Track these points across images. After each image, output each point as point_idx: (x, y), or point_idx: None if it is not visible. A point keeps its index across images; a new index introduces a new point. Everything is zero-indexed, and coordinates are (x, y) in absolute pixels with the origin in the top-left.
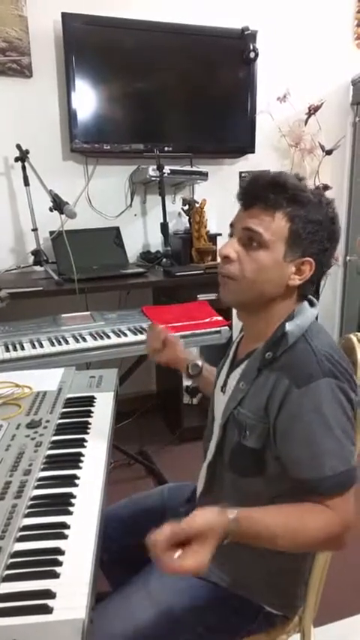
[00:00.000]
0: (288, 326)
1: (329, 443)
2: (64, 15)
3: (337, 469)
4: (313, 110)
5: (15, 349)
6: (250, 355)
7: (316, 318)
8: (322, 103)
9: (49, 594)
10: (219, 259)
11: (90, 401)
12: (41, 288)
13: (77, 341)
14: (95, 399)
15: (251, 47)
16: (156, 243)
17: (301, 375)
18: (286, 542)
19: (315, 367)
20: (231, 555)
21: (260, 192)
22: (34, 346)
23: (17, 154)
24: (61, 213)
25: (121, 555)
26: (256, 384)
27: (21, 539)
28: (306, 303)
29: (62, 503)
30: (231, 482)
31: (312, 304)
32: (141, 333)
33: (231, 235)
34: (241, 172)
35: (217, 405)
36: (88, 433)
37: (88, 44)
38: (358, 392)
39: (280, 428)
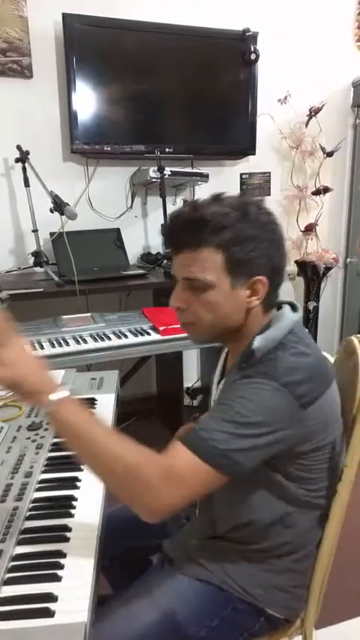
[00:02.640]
0: (255, 342)
1: (224, 417)
2: (64, 16)
3: (209, 437)
4: (313, 112)
5: None
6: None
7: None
8: (323, 105)
9: (50, 597)
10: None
11: (91, 403)
12: (41, 290)
13: (78, 342)
14: (96, 400)
15: (252, 49)
16: (156, 244)
17: (252, 373)
18: (98, 453)
19: (267, 370)
20: (233, 559)
21: (181, 237)
22: (34, 348)
23: (17, 154)
24: (62, 214)
25: (122, 558)
26: None
27: (22, 542)
28: (286, 309)
29: (64, 506)
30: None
31: (294, 309)
32: (142, 334)
33: (176, 281)
34: (241, 174)
35: None
36: None
37: (88, 45)
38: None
39: None
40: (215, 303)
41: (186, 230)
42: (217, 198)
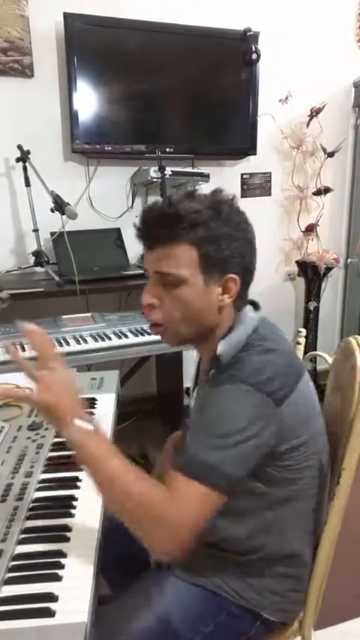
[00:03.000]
0: (219, 347)
1: (204, 431)
2: (65, 15)
3: (193, 454)
4: (315, 112)
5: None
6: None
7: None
8: (324, 105)
9: (51, 597)
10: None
11: (91, 403)
12: (42, 289)
13: (78, 342)
14: (96, 400)
15: (253, 49)
16: None
17: (221, 380)
18: (112, 485)
19: (235, 374)
20: (227, 565)
21: (155, 231)
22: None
23: (18, 154)
24: (62, 214)
25: (121, 559)
26: None
27: (23, 541)
28: (246, 310)
29: (64, 506)
30: None
31: (255, 307)
32: (142, 334)
33: (148, 277)
34: (242, 174)
35: None
36: None
37: (89, 44)
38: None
39: None
40: (188, 299)
41: (161, 225)
42: (190, 195)
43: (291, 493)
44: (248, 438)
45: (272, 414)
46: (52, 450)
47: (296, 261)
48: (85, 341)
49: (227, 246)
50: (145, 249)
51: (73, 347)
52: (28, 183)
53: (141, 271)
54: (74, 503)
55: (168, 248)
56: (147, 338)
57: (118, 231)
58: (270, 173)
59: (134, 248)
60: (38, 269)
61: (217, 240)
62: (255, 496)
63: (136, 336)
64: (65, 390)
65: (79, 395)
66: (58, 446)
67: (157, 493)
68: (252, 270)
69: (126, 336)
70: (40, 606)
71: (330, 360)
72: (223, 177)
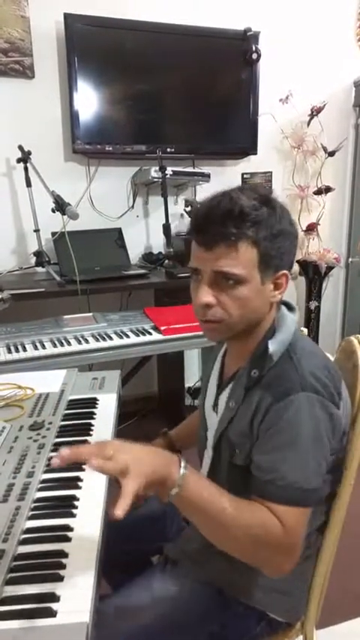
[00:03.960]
0: (271, 346)
1: (293, 455)
2: (66, 16)
3: (292, 481)
4: (315, 112)
5: (17, 350)
6: (237, 373)
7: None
8: (325, 105)
9: (53, 597)
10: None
11: (93, 403)
12: (43, 290)
13: (79, 342)
14: (98, 400)
15: (254, 48)
16: (158, 244)
17: (282, 389)
18: (224, 525)
19: (296, 382)
20: (234, 563)
21: (220, 229)
22: (36, 347)
23: (19, 154)
24: (63, 214)
25: (122, 559)
26: (245, 403)
27: (24, 541)
28: (284, 310)
29: (65, 506)
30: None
31: (290, 308)
32: (143, 334)
33: (196, 276)
34: (243, 174)
35: (209, 424)
36: (91, 435)
37: (90, 45)
38: (342, 406)
39: (259, 437)
40: (246, 298)
41: (226, 224)
42: (242, 189)
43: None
44: (327, 445)
45: (337, 416)
46: (53, 450)
47: (297, 261)
48: (87, 341)
49: (282, 243)
50: (200, 247)
51: (75, 347)
52: (29, 184)
53: (142, 271)
54: (76, 503)
55: (229, 247)
56: (148, 338)
57: (119, 231)
58: (271, 172)
59: (135, 248)
60: (39, 269)
61: (275, 239)
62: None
63: (138, 335)
64: (144, 455)
65: (157, 453)
66: (59, 446)
67: (271, 527)
68: (293, 262)
69: (127, 336)
70: (42, 606)
71: (332, 359)
72: (223, 177)
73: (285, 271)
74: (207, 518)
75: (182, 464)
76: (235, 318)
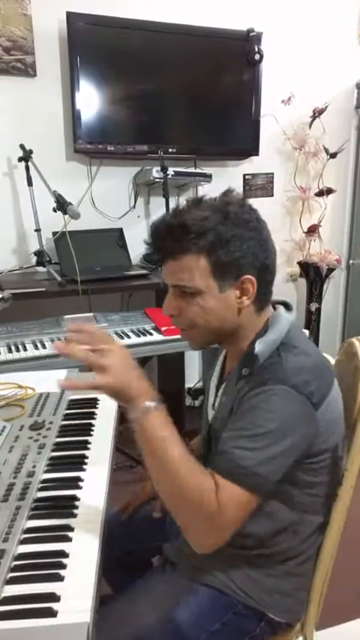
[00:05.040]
0: (257, 346)
1: (248, 435)
2: (68, 14)
3: (238, 457)
4: (317, 113)
5: (18, 350)
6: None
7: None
8: (327, 106)
9: (53, 597)
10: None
11: (93, 403)
12: (44, 289)
13: None
14: (99, 400)
15: (256, 49)
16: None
17: (260, 379)
18: (166, 470)
19: (276, 375)
20: (236, 563)
21: (164, 245)
22: (36, 347)
23: (21, 153)
24: (65, 213)
25: (123, 560)
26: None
27: (25, 541)
28: (281, 310)
29: (66, 506)
30: None
31: (287, 308)
32: (144, 334)
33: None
34: (245, 174)
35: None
36: (91, 435)
37: (92, 44)
38: (324, 410)
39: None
40: (206, 307)
41: (168, 238)
42: (196, 202)
43: (311, 495)
44: (286, 439)
45: (310, 417)
46: (53, 450)
47: (298, 262)
48: None
49: (238, 247)
50: (160, 261)
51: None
52: (30, 183)
53: (143, 271)
54: (76, 503)
55: (178, 261)
56: (149, 338)
57: (120, 231)
58: (272, 174)
59: (136, 248)
60: (40, 269)
61: (227, 244)
62: (281, 497)
63: (138, 336)
64: (128, 371)
65: (141, 374)
66: (60, 446)
67: (208, 493)
68: (269, 267)
69: (128, 337)
70: (43, 606)
71: (333, 361)
72: (225, 178)
73: (248, 276)
74: (154, 457)
75: (152, 400)
76: (201, 328)
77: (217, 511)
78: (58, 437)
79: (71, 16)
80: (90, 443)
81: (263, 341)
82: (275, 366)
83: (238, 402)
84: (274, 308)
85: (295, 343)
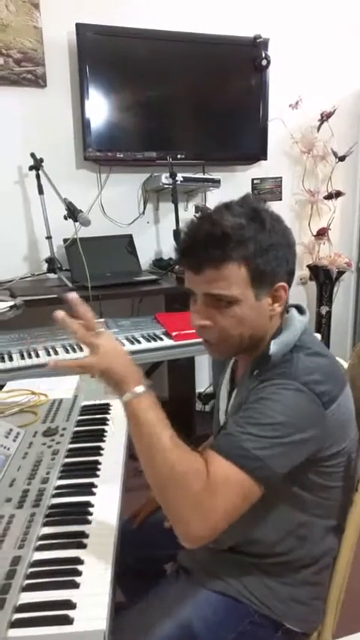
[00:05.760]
0: (272, 346)
1: (255, 422)
2: (78, 25)
3: (240, 439)
4: (325, 117)
5: (30, 357)
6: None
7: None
8: (335, 110)
9: (69, 605)
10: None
11: (106, 408)
12: (55, 296)
13: None
14: (111, 406)
15: (263, 55)
16: (169, 250)
17: (270, 375)
18: (156, 455)
19: (286, 373)
20: (251, 572)
21: (204, 253)
22: (49, 354)
23: (31, 162)
24: (75, 221)
25: (135, 566)
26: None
27: (40, 548)
28: (294, 312)
29: (80, 512)
30: None
31: (301, 311)
32: (154, 340)
33: (192, 296)
34: (253, 179)
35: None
36: (104, 441)
37: (101, 54)
38: (334, 411)
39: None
40: (241, 316)
41: (208, 247)
42: (227, 207)
43: (324, 499)
44: (294, 434)
45: (319, 415)
46: (67, 456)
47: (308, 266)
48: None
49: (275, 256)
50: (189, 270)
51: (87, 353)
52: (41, 191)
53: (153, 277)
54: (90, 509)
55: (217, 269)
56: (160, 343)
57: (130, 237)
58: (281, 178)
59: (146, 254)
60: (51, 275)
61: (266, 253)
62: (290, 501)
63: (149, 341)
64: (118, 354)
65: (130, 359)
66: (73, 452)
67: (197, 469)
68: (294, 272)
69: (139, 342)
70: (59, 614)
71: (345, 364)
72: (234, 183)
73: (282, 283)
74: (143, 440)
75: (140, 384)
76: (234, 338)
77: (204, 491)
78: (71, 443)
79: (80, 27)
80: (103, 449)
81: (278, 342)
82: (286, 364)
83: (246, 397)
84: (287, 311)
85: (308, 345)
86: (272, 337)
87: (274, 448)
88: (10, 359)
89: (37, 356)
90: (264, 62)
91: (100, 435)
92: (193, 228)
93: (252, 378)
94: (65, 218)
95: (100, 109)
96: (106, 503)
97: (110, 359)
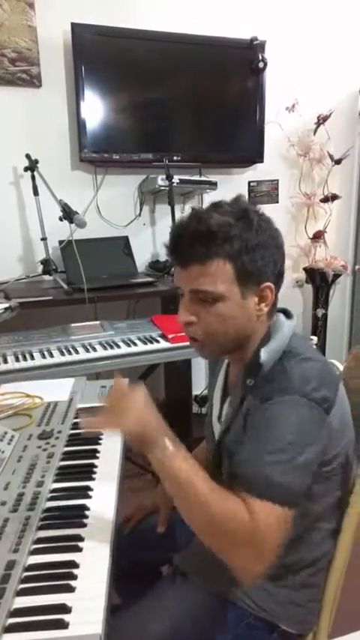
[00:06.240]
0: (262, 354)
1: (266, 450)
2: (73, 25)
3: (268, 478)
4: (322, 120)
5: (25, 359)
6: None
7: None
8: (331, 113)
9: (64, 609)
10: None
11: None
12: (51, 298)
13: (87, 350)
14: None
15: (260, 57)
16: (165, 252)
17: (269, 391)
18: (197, 508)
19: (284, 386)
20: None
21: (189, 249)
22: (44, 356)
23: (27, 163)
24: (71, 222)
25: (131, 569)
26: (240, 411)
27: (35, 552)
28: (281, 317)
29: (76, 516)
30: None
31: (287, 315)
32: (151, 342)
33: (181, 294)
34: (250, 182)
35: (216, 435)
36: (100, 444)
37: (97, 54)
38: (334, 413)
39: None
40: (226, 314)
41: (194, 243)
42: (216, 206)
43: (324, 503)
44: (312, 448)
45: (323, 422)
46: (62, 459)
47: (304, 268)
48: (94, 349)
49: (261, 256)
50: (177, 267)
51: (82, 355)
52: (36, 192)
53: (149, 279)
54: (86, 512)
55: (203, 265)
56: (156, 346)
57: (126, 239)
58: (277, 180)
59: (142, 256)
60: (47, 277)
61: (252, 252)
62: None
63: (145, 343)
64: (147, 414)
65: (159, 416)
66: (68, 455)
67: (243, 520)
68: (283, 274)
69: (135, 344)
70: (54, 618)
71: (341, 367)
72: (230, 185)
73: (268, 283)
74: (181, 494)
75: (169, 440)
76: (216, 335)
77: (252, 532)
78: (66, 446)
79: (76, 27)
80: (99, 452)
81: (268, 349)
82: (281, 377)
83: (248, 418)
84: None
85: (297, 350)
86: (261, 343)
87: (301, 474)
88: (5, 361)
89: (32, 358)
90: (261, 64)
91: (96, 438)
92: (181, 225)
93: (245, 387)
94: (61, 219)
95: (95, 109)
96: (102, 507)
97: (143, 423)
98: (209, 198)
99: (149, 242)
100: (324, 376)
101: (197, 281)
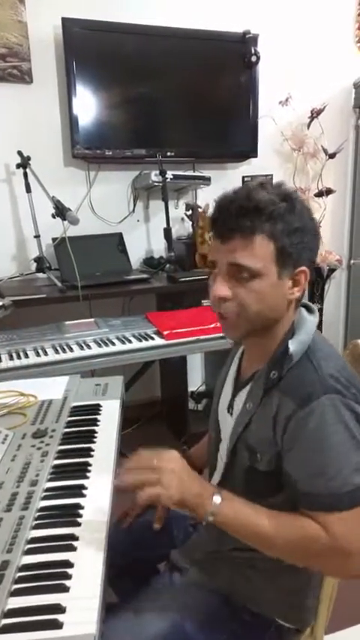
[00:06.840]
0: (291, 345)
1: (325, 464)
2: (64, 20)
3: (327, 489)
4: (315, 113)
5: (19, 357)
6: (255, 375)
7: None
8: (325, 107)
9: (58, 609)
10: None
11: (96, 409)
12: (44, 296)
13: (82, 348)
14: (101, 407)
15: (253, 51)
16: (159, 248)
17: (303, 394)
18: (266, 542)
19: (316, 385)
20: (244, 571)
21: (235, 222)
22: (38, 354)
23: (18, 160)
24: (64, 219)
25: (128, 567)
26: (263, 405)
27: (29, 552)
28: (304, 312)
29: (70, 515)
30: None
31: (310, 311)
32: (146, 339)
33: (212, 269)
34: (243, 177)
35: (223, 426)
36: (94, 442)
37: (88, 49)
38: None
39: (286, 449)
40: (261, 292)
41: (241, 217)
42: (263, 185)
43: None
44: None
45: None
46: (57, 458)
47: None
48: (89, 346)
49: (301, 239)
50: (217, 239)
51: (77, 353)
52: (28, 189)
53: (143, 276)
54: (80, 511)
55: (245, 240)
56: (151, 343)
57: (119, 235)
58: (271, 175)
59: (136, 252)
60: (40, 275)
61: (293, 234)
62: (289, 504)
63: (140, 341)
64: (184, 480)
65: (197, 476)
66: (63, 453)
67: (318, 537)
68: (315, 261)
69: (130, 341)
70: (48, 618)
71: None
72: (224, 180)
73: (304, 268)
74: (247, 537)
75: (216, 496)
76: (250, 314)
77: (334, 545)
78: (61, 444)
79: (66, 22)
80: (93, 450)
81: (297, 341)
82: (311, 375)
83: (284, 424)
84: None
85: (320, 346)
86: (288, 335)
87: (353, 472)
88: None
89: (27, 356)
90: (253, 58)
91: (90, 436)
92: (227, 198)
93: (268, 381)
94: (54, 217)
95: (87, 105)
96: (97, 506)
97: (181, 487)
98: (203, 193)
99: (143, 238)
100: (349, 373)
101: (237, 254)
